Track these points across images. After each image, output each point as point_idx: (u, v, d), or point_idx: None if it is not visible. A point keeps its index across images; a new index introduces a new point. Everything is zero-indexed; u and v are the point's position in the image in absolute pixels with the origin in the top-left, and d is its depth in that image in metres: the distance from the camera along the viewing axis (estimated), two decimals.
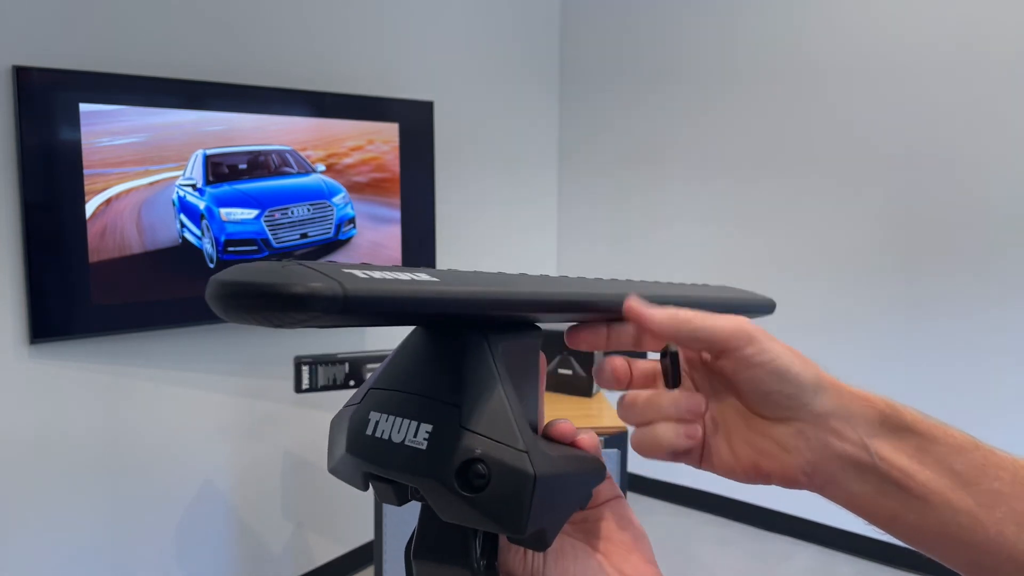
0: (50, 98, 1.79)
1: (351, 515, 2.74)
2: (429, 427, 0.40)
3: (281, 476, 2.50)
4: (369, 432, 0.42)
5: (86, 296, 1.89)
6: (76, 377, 1.97)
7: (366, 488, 0.45)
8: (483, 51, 3.13)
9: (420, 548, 0.47)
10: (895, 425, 0.44)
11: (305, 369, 1.97)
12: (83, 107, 1.83)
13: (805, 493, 0.47)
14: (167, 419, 2.18)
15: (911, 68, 2.68)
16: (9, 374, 1.85)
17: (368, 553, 2.80)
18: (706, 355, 0.48)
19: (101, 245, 1.90)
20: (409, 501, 0.47)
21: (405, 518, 1.73)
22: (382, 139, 2.46)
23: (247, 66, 2.26)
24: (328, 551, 2.69)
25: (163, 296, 2.02)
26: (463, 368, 0.41)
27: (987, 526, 0.42)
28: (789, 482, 0.46)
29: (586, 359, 1.98)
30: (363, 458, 0.42)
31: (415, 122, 2.56)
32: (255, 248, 2.17)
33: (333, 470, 0.45)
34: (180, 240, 2.03)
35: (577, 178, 3.59)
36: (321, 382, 2.00)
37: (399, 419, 0.41)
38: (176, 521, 2.23)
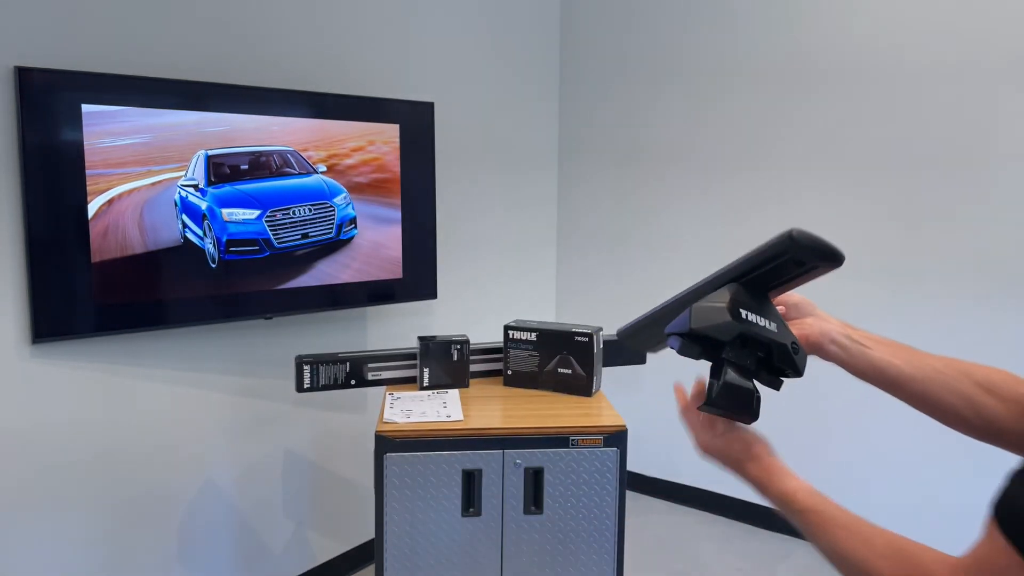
0: (52, 99, 1.80)
1: (352, 513, 2.75)
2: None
3: (282, 475, 2.51)
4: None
5: (88, 296, 1.90)
6: (78, 376, 1.98)
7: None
8: (483, 51, 3.13)
9: None
10: (860, 331, 0.93)
11: (306, 368, 1.98)
12: (85, 108, 1.84)
13: None
14: (169, 418, 2.19)
15: (910, 67, 2.68)
16: (11, 373, 1.86)
17: (369, 551, 2.81)
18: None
19: (103, 245, 1.90)
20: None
21: (406, 516, 1.74)
22: (383, 140, 2.47)
23: (249, 67, 2.27)
24: (329, 549, 2.70)
25: (165, 296, 2.02)
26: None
27: (900, 367, 0.89)
28: (811, 346, 0.91)
29: (586, 359, 1.99)
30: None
31: (415, 122, 2.57)
32: (256, 248, 2.18)
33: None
34: (182, 240, 2.04)
35: (577, 178, 3.60)
36: (322, 381, 2.01)
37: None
38: (177, 520, 2.24)
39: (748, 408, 0.74)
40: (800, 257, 0.74)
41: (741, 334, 0.73)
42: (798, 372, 0.75)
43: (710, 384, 0.76)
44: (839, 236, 2.87)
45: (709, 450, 0.85)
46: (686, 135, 3.22)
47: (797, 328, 0.90)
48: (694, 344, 0.75)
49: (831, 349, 0.91)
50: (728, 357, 0.74)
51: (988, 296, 2.59)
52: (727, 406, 0.74)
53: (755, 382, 0.76)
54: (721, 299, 0.75)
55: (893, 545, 0.71)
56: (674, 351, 0.81)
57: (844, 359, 0.91)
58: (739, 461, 0.83)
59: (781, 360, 0.75)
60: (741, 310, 0.75)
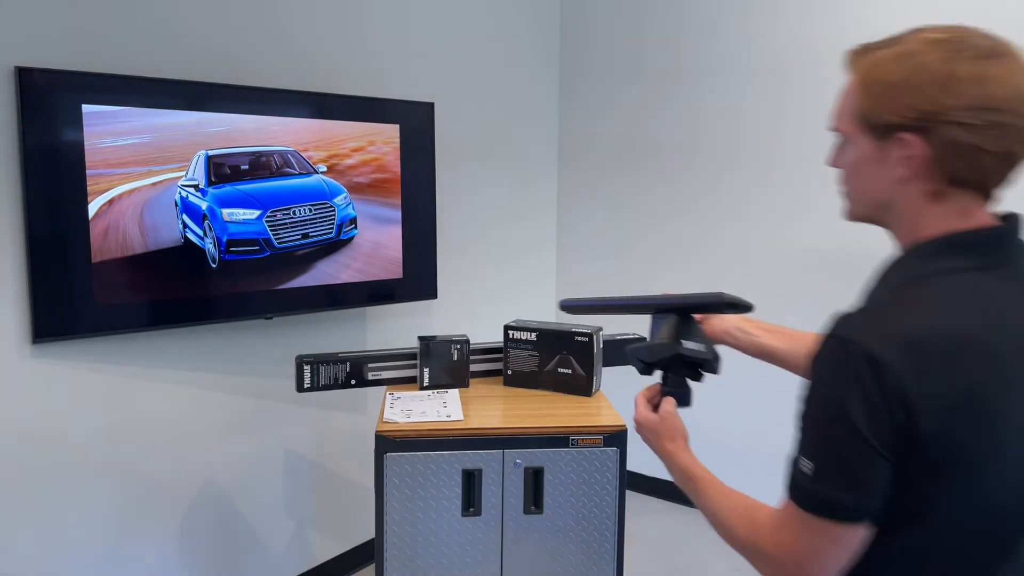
0: (53, 99, 1.80)
1: (352, 513, 2.75)
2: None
3: (282, 475, 2.51)
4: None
5: (88, 296, 1.90)
6: (78, 376, 1.98)
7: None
8: (483, 51, 3.14)
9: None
10: (753, 323, 1.25)
11: (307, 368, 1.99)
12: (86, 108, 1.84)
13: None
14: (169, 418, 2.19)
15: None
16: (12, 373, 1.86)
17: (369, 551, 2.82)
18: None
19: (103, 245, 1.91)
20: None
21: (407, 516, 1.74)
22: (383, 140, 2.47)
23: (249, 67, 2.27)
24: (329, 549, 2.70)
25: (165, 296, 2.03)
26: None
27: (779, 348, 1.22)
28: (715, 338, 1.28)
29: (586, 359, 1.99)
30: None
31: (416, 123, 2.57)
32: (257, 248, 2.19)
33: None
34: (182, 240, 2.04)
35: (577, 178, 3.60)
36: (322, 381, 2.01)
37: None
38: (178, 520, 2.24)
39: (686, 401, 1.13)
40: (722, 310, 1.16)
41: (679, 355, 1.12)
42: (715, 373, 1.15)
43: (662, 388, 1.15)
44: (840, 234, 2.87)
45: (645, 423, 1.13)
46: (686, 136, 3.22)
47: (705, 326, 1.26)
48: (650, 367, 1.16)
49: (728, 340, 1.27)
50: (672, 372, 1.14)
51: None
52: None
53: (688, 381, 1.15)
54: (666, 336, 1.14)
55: (745, 504, 0.93)
56: (636, 370, 1.19)
57: (738, 346, 1.27)
58: (662, 436, 1.11)
59: (704, 368, 1.14)
60: (681, 340, 1.13)
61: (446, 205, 3.01)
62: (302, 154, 2.26)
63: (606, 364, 2.15)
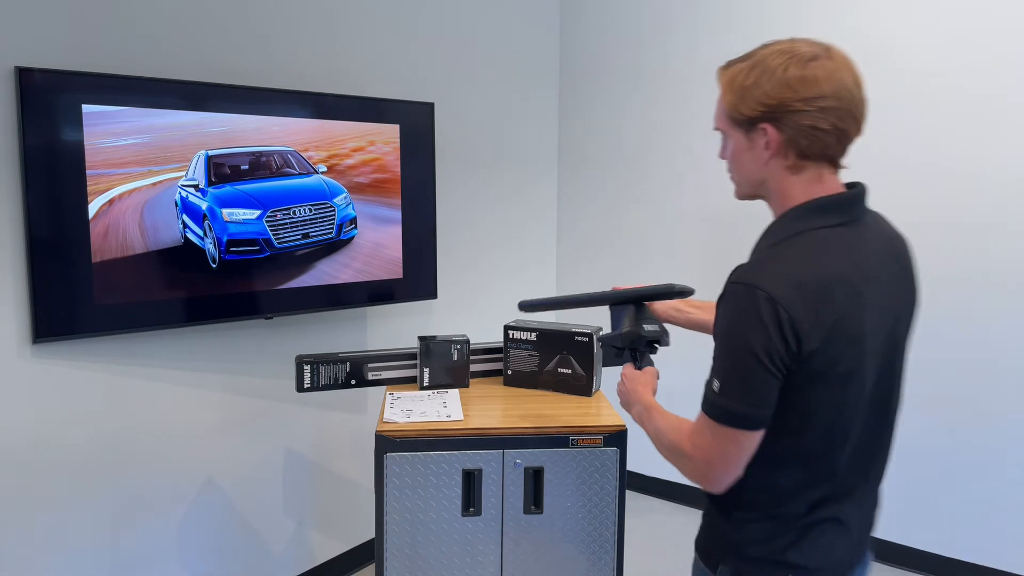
0: (53, 99, 1.81)
1: (352, 513, 2.76)
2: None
3: (282, 475, 2.52)
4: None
5: (89, 296, 1.90)
6: (78, 376, 1.98)
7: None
8: (483, 51, 3.14)
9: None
10: (685, 302, 1.56)
11: (307, 368, 1.99)
12: (86, 108, 1.84)
13: None
14: (169, 418, 2.19)
15: (910, 68, 2.69)
16: (12, 373, 1.86)
17: (369, 551, 2.82)
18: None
19: (104, 245, 1.91)
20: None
21: (407, 516, 1.74)
22: (383, 140, 2.47)
23: (249, 67, 2.27)
24: (329, 549, 2.70)
25: (165, 296, 2.03)
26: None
27: (708, 319, 1.50)
28: (660, 317, 1.56)
29: (586, 359, 1.99)
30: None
31: (416, 123, 2.58)
32: (257, 248, 2.19)
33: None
34: (182, 240, 2.04)
35: (577, 178, 3.60)
36: (322, 381, 2.01)
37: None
38: (177, 520, 2.24)
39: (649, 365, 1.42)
40: (672, 296, 1.46)
41: (643, 337, 1.40)
42: (667, 345, 1.45)
43: (636, 365, 1.42)
44: None
45: (628, 372, 1.39)
46: (686, 135, 3.23)
47: (650, 310, 1.52)
48: (621, 350, 1.45)
49: (668, 318, 1.57)
50: (638, 348, 1.42)
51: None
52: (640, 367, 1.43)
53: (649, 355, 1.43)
54: (630, 324, 1.43)
55: (678, 420, 1.16)
56: (608, 356, 1.49)
57: (677, 322, 1.57)
58: (637, 382, 1.35)
59: (659, 343, 1.42)
60: (643, 325, 1.41)
61: (446, 205, 3.01)
62: (302, 154, 2.26)
63: (606, 364, 2.15)
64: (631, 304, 1.48)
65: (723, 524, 1.14)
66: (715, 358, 1.04)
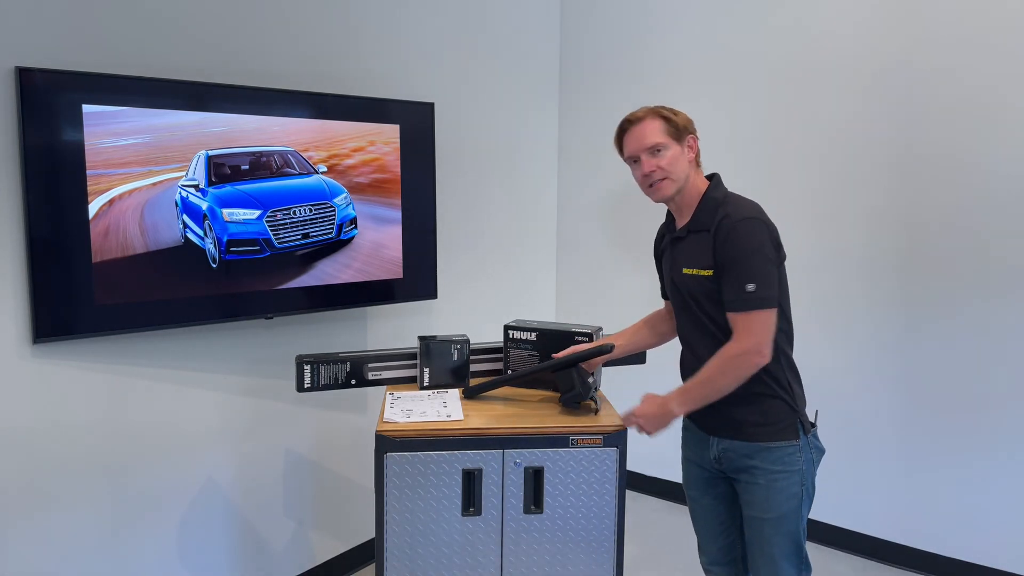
0: (53, 99, 1.81)
1: (353, 513, 2.76)
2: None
3: (283, 474, 2.52)
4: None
5: (89, 296, 1.90)
6: (79, 376, 1.98)
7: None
8: (483, 51, 3.14)
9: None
10: (612, 338, 2.03)
11: (307, 368, 1.99)
12: (86, 108, 1.84)
13: None
14: (169, 418, 2.19)
15: (911, 68, 2.69)
16: (12, 373, 1.86)
17: (369, 550, 2.82)
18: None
19: (104, 245, 1.91)
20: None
21: (407, 516, 1.74)
22: (383, 140, 2.48)
23: (249, 68, 2.27)
24: (329, 549, 2.70)
25: (166, 296, 2.03)
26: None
27: (624, 346, 2.00)
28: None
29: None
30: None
31: (416, 123, 2.58)
32: (257, 248, 2.19)
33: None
34: (183, 240, 2.04)
35: (576, 178, 3.60)
36: (323, 381, 2.01)
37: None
38: (178, 520, 2.24)
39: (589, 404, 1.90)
40: (595, 356, 1.89)
41: (588, 388, 1.85)
42: (598, 388, 1.99)
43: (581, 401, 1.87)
44: (840, 234, 2.87)
45: (644, 414, 1.73)
46: None
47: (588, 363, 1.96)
48: (578, 402, 1.86)
49: (607, 360, 1.99)
50: (591, 397, 1.87)
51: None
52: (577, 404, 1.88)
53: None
54: (580, 383, 1.84)
55: (713, 360, 1.64)
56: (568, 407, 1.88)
57: (614, 360, 2.02)
58: (650, 408, 1.72)
59: (597, 389, 1.97)
60: (586, 380, 1.87)
61: (446, 205, 3.01)
62: (302, 154, 2.26)
63: (606, 364, 2.15)
64: (572, 368, 1.85)
65: (779, 400, 1.67)
66: (740, 272, 1.58)
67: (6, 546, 1.89)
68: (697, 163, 1.75)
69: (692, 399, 1.66)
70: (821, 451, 1.72)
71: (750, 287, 1.56)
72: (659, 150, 1.69)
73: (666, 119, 1.69)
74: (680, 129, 1.70)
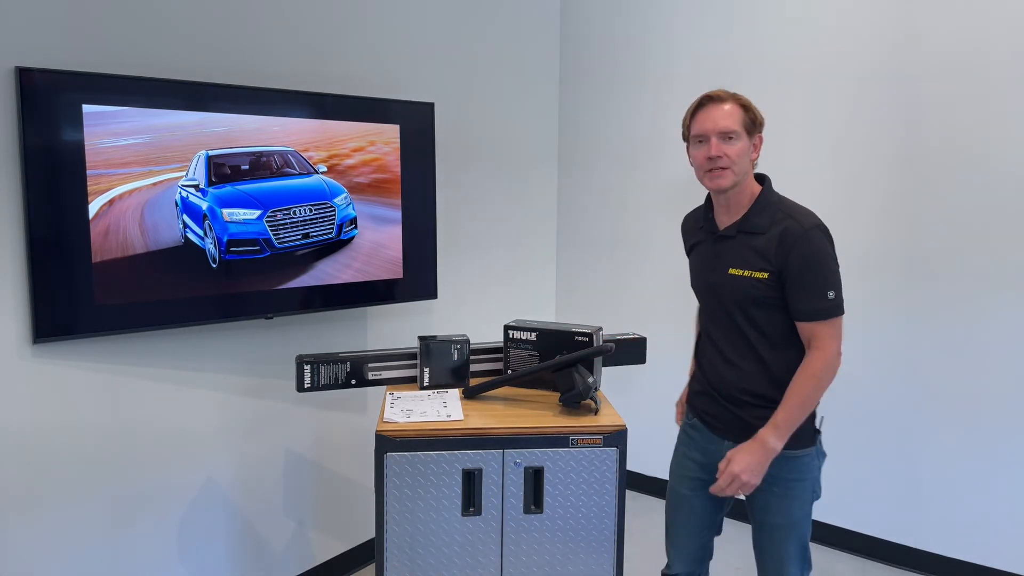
0: (53, 99, 1.81)
1: (353, 513, 2.76)
2: None
3: (283, 474, 2.52)
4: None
5: (89, 296, 1.90)
6: (79, 376, 1.98)
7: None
8: (483, 51, 3.14)
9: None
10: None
11: (307, 368, 1.99)
12: (86, 108, 1.84)
13: None
14: (169, 418, 2.19)
15: (912, 68, 2.69)
16: (12, 373, 1.86)
17: (369, 550, 2.82)
18: None
19: (104, 245, 1.91)
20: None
21: (407, 516, 1.74)
22: (383, 140, 2.48)
23: (249, 68, 2.27)
24: (329, 549, 2.70)
25: (166, 296, 2.03)
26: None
27: None
28: None
29: (586, 360, 1.99)
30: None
31: (416, 123, 2.58)
32: (257, 248, 2.19)
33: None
34: (183, 240, 2.04)
35: (577, 178, 3.60)
36: (323, 381, 2.01)
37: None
38: (178, 520, 2.25)
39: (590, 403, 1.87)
40: (600, 355, 1.85)
41: (589, 389, 1.81)
42: (599, 387, 1.92)
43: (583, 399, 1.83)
44: (840, 235, 2.87)
45: (743, 465, 1.63)
46: None
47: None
48: (579, 402, 1.84)
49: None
50: (591, 396, 1.82)
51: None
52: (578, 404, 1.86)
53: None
54: (582, 382, 1.80)
55: (797, 377, 1.61)
56: (574, 402, 1.83)
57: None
58: (745, 459, 1.63)
59: (597, 389, 1.89)
60: (587, 380, 1.81)
61: (446, 205, 3.01)
62: (302, 154, 2.26)
63: (606, 364, 2.15)
64: (573, 368, 1.83)
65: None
66: (819, 280, 1.57)
67: (6, 546, 1.89)
68: (754, 163, 1.69)
69: (791, 426, 1.61)
70: (825, 455, 1.73)
71: (831, 295, 1.57)
72: (731, 137, 1.62)
73: (747, 108, 1.63)
74: (756, 124, 1.65)
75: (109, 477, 2.07)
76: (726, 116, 1.61)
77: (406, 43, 2.78)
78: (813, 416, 1.67)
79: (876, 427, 2.85)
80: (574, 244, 3.64)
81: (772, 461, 1.63)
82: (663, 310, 3.34)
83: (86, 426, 2.01)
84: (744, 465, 1.61)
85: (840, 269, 1.61)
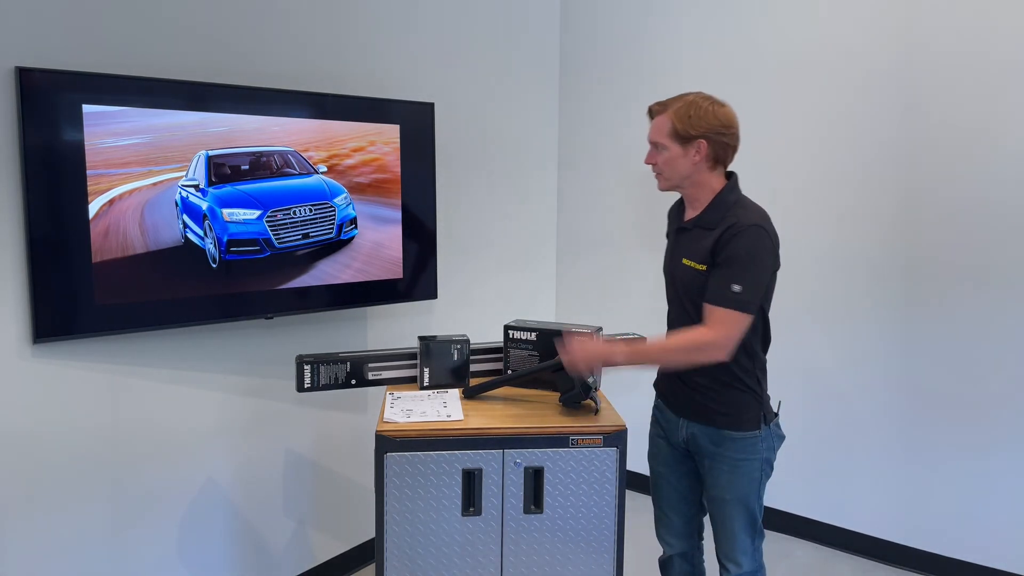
0: (53, 99, 1.81)
1: (353, 513, 2.76)
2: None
3: (283, 474, 2.52)
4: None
5: (89, 296, 1.90)
6: (79, 376, 1.98)
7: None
8: (483, 51, 3.14)
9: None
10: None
11: (307, 368, 1.99)
12: (86, 108, 1.84)
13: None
14: (169, 418, 2.19)
15: (913, 67, 2.69)
16: (12, 373, 1.86)
17: (369, 551, 2.82)
18: None
19: (104, 245, 1.91)
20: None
21: (407, 516, 1.74)
22: (383, 140, 2.48)
23: (249, 68, 2.27)
24: (329, 549, 2.70)
25: (166, 296, 2.03)
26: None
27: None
28: None
29: None
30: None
31: (416, 123, 2.58)
32: (257, 248, 2.19)
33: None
34: (183, 240, 2.05)
35: (577, 177, 3.60)
36: (323, 381, 2.01)
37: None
38: (178, 520, 2.25)
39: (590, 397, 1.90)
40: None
41: (589, 386, 1.86)
42: (598, 387, 1.94)
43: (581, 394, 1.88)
44: (840, 234, 2.87)
45: (577, 349, 1.78)
46: None
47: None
48: (580, 400, 1.88)
49: None
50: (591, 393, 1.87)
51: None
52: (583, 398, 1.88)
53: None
54: (583, 381, 1.85)
55: (681, 333, 1.71)
56: (574, 401, 1.88)
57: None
58: (611, 348, 1.76)
59: (597, 386, 1.91)
60: (589, 379, 1.86)
61: (446, 205, 3.01)
62: (302, 154, 2.26)
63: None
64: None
65: (748, 394, 1.77)
66: (731, 272, 1.64)
67: (6, 546, 1.89)
68: (716, 162, 1.76)
69: (639, 359, 1.74)
70: (781, 438, 1.85)
71: (736, 288, 1.63)
72: (659, 147, 1.78)
73: (676, 121, 1.73)
74: (688, 136, 1.72)
75: (109, 477, 2.07)
76: (655, 128, 1.78)
77: (406, 43, 2.78)
78: (760, 402, 1.78)
79: (876, 427, 2.85)
80: (574, 244, 3.64)
81: (720, 440, 1.77)
82: (663, 310, 3.34)
83: (86, 426, 2.01)
84: (583, 353, 1.76)
85: (766, 275, 1.68)
